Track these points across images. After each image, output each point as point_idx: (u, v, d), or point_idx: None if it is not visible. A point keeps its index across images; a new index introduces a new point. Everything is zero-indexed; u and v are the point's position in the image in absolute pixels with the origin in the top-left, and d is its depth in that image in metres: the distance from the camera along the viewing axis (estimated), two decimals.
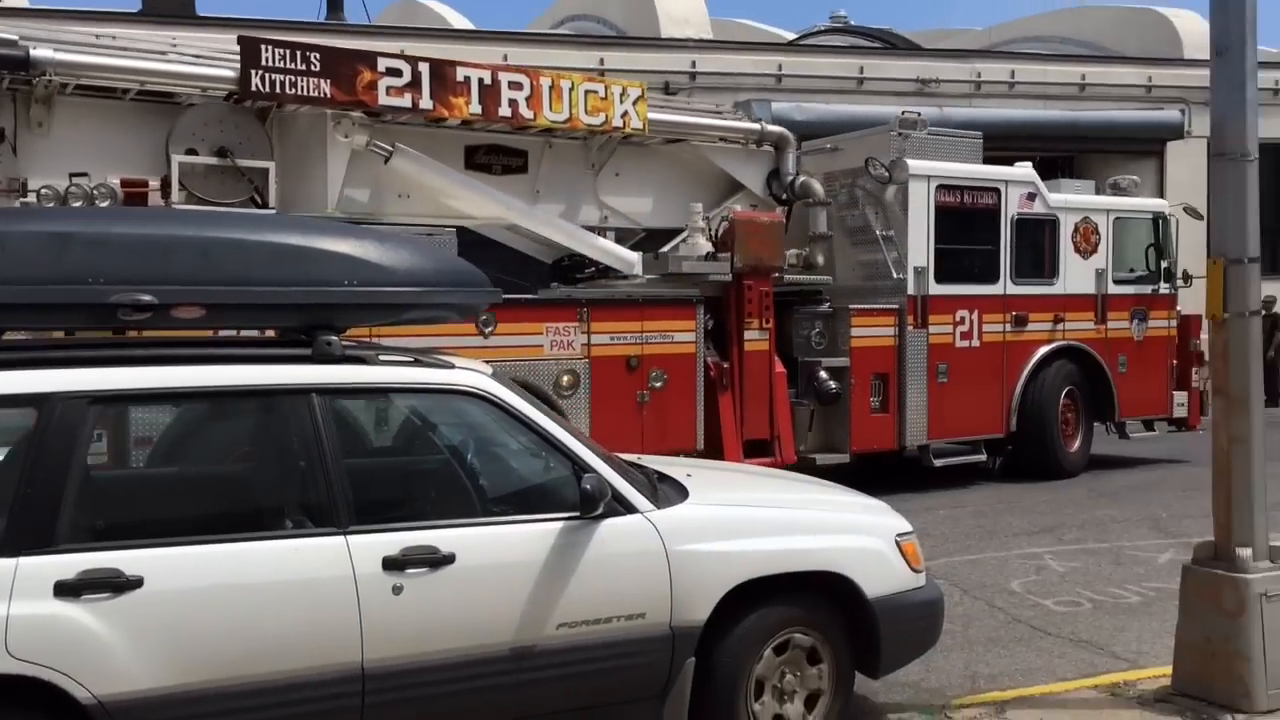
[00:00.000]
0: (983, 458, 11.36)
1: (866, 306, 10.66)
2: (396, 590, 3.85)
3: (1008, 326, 11.35)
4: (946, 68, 21.11)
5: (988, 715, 5.09)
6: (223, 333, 4.80)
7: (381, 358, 4.18)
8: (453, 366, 4.30)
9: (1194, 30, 23.53)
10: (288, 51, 8.28)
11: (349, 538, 3.85)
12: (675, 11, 20.07)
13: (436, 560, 3.94)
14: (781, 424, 10.07)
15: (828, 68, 20.31)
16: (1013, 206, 11.30)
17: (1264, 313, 18.35)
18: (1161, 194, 22.79)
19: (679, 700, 4.24)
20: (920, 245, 10.76)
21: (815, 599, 4.55)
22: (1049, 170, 26.16)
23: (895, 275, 10.73)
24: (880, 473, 11.11)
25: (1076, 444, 11.77)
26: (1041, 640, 6.30)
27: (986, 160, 11.51)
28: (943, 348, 10.97)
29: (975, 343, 11.14)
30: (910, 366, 10.78)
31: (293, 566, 3.74)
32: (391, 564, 3.88)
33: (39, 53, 7.80)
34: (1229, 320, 5.03)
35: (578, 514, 4.16)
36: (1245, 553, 5.11)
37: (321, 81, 8.33)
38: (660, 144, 10.23)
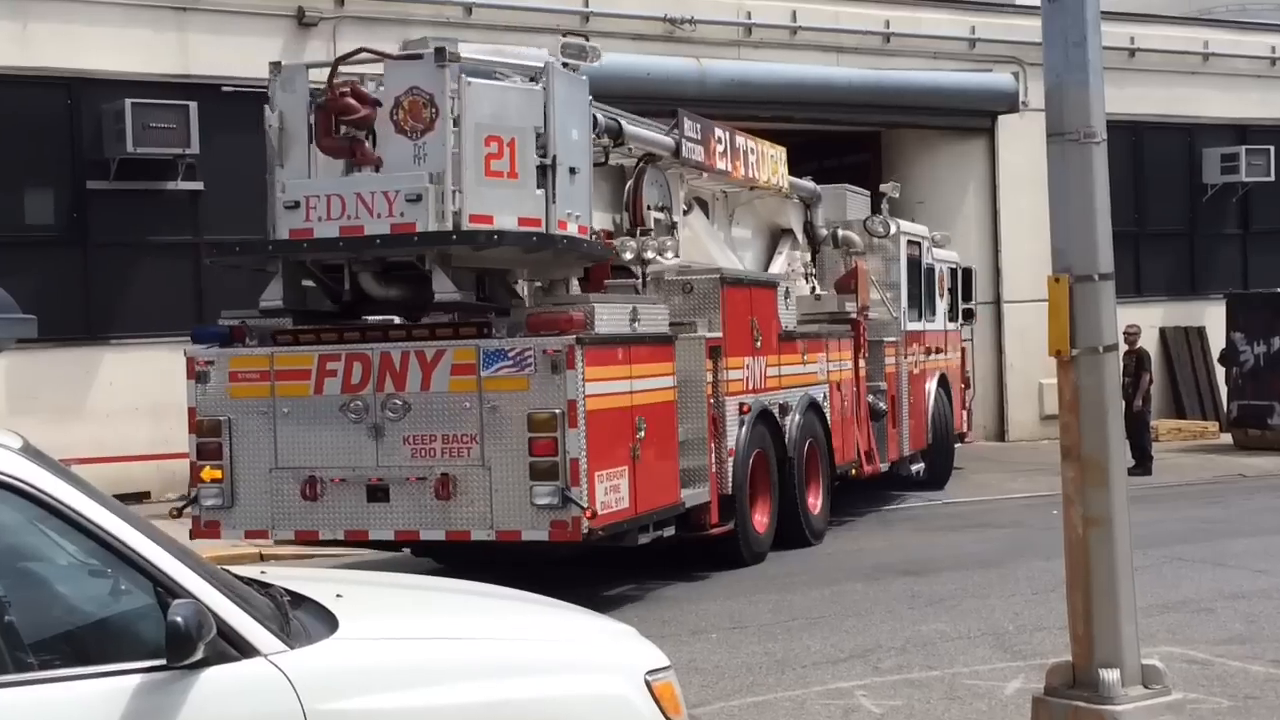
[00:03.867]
0: (921, 465, 18.25)
1: (890, 340, 17.10)
2: None
3: (924, 357, 18.42)
4: (703, 3, 21.97)
5: None
6: None
7: None
8: None
9: None
10: (690, 121, 13.52)
11: None
12: None
13: None
14: (874, 439, 16.46)
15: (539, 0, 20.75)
16: (924, 257, 18.47)
17: (1127, 348, 20.44)
18: (994, 182, 24.56)
19: None
20: (905, 289, 17.65)
21: None
22: (849, 150, 27.38)
23: (893, 314, 17.31)
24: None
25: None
26: None
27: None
28: (910, 375, 17.80)
29: (918, 370, 18.16)
30: (902, 390, 17.43)
31: None
32: None
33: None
34: (1078, 358, 5.43)
35: (164, 661, 4.02)
36: (1111, 676, 5.49)
37: (698, 147, 13.50)
38: (758, 199, 15.83)
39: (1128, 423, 19.30)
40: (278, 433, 10.92)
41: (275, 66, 11.25)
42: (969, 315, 20.81)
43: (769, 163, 15.34)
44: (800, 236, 16.79)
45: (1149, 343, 23.32)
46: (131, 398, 17.75)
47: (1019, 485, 19.00)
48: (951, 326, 19.78)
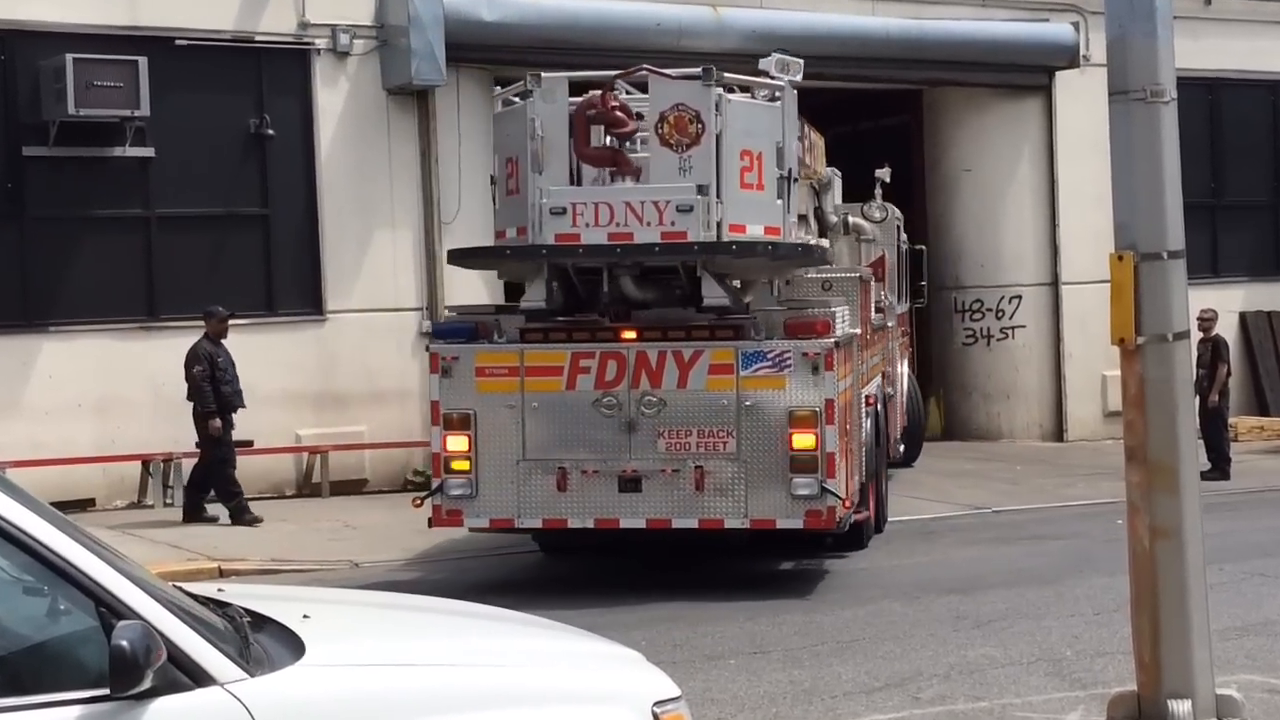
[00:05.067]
0: (903, 444, 20.09)
1: (890, 325, 18.64)
2: None
3: (902, 339, 20.66)
4: None
5: None
6: None
7: None
8: None
9: None
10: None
11: None
12: None
13: None
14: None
15: None
16: (902, 239, 20.39)
17: (1201, 336, 20.34)
18: (1051, 147, 24.43)
19: None
20: (897, 274, 19.51)
21: None
22: (887, 110, 27.52)
23: (889, 299, 18.58)
24: None
25: None
26: None
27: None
28: (896, 357, 19.80)
29: (898, 352, 19.97)
30: (897, 372, 19.42)
31: None
32: None
33: None
34: (1145, 347, 5.42)
35: (108, 691, 4.03)
36: (1181, 708, 5.49)
37: (798, 144, 14.22)
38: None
39: (1202, 420, 19.23)
40: (526, 426, 12.71)
41: (535, 78, 12.82)
42: (919, 294, 22.83)
43: (820, 152, 16.56)
44: (812, 222, 17.63)
45: (1227, 329, 23.25)
46: (74, 392, 17.77)
47: (1078, 491, 18.99)
48: (904, 307, 21.61)
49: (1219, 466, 19.63)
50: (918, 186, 25.43)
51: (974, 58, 23.54)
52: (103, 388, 17.91)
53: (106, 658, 4.00)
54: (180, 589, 4.81)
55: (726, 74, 12.92)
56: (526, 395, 12.69)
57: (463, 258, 14.52)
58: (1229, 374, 20.65)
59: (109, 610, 4.12)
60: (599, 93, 12.78)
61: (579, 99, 12.87)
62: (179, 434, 17.45)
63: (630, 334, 12.78)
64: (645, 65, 13.32)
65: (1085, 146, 22.40)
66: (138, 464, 18.06)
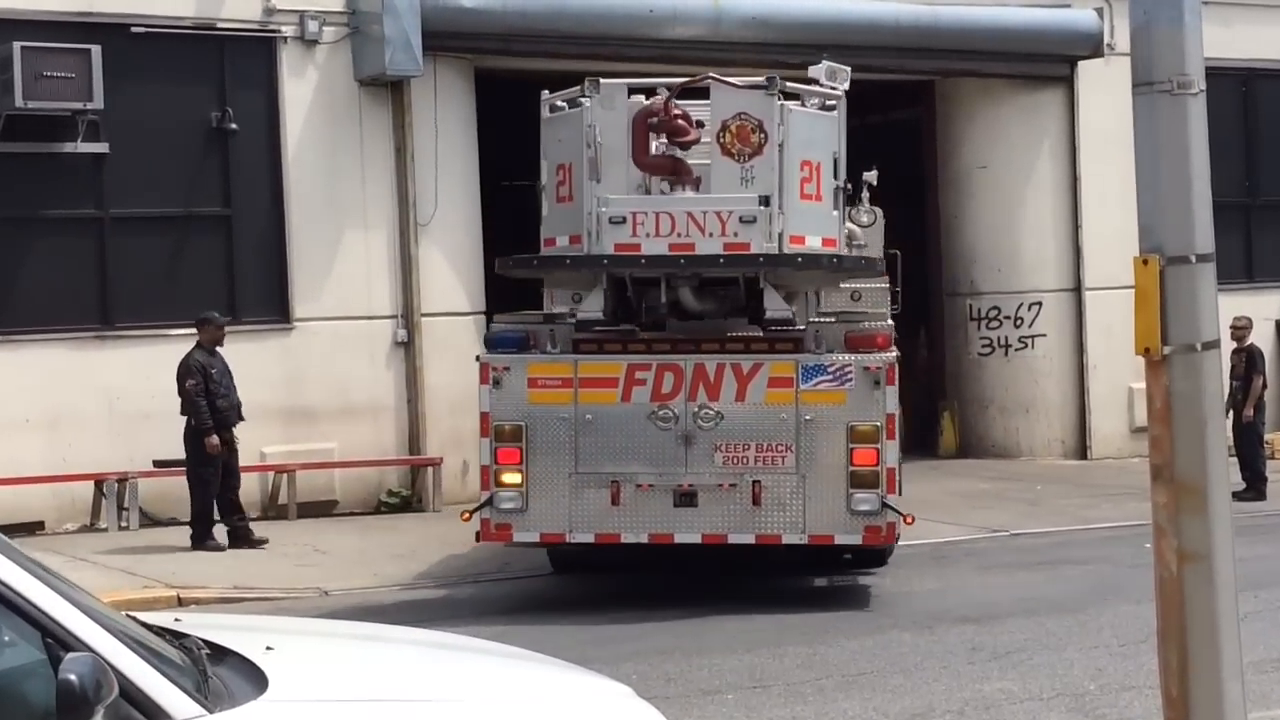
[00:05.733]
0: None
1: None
2: None
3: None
4: None
5: None
6: None
7: None
8: None
9: None
10: None
11: None
12: None
13: None
14: None
15: None
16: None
17: (1236, 345, 20.26)
18: (1073, 142, 24.40)
19: None
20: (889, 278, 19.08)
21: None
22: (897, 103, 27.51)
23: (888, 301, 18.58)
24: None
25: None
26: None
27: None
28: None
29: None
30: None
31: None
32: None
33: None
34: (1171, 357, 5.42)
35: None
36: None
37: None
38: None
39: (1236, 436, 19.26)
40: (579, 438, 13.33)
41: (594, 84, 13.33)
42: (894, 300, 22.38)
43: None
44: None
45: (1263, 338, 23.24)
46: (22, 406, 17.74)
47: (1102, 513, 18.97)
48: None
49: (1254, 486, 19.63)
50: (929, 184, 25.43)
51: (990, 46, 23.56)
52: (53, 401, 17.88)
53: (53, 693, 4.00)
54: (134, 619, 4.80)
55: (789, 83, 13.50)
56: (580, 407, 13.26)
57: (516, 266, 14.85)
58: (1265, 386, 20.63)
59: (56, 641, 4.13)
60: (659, 99, 13.28)
61: (628, 103, 13.33)
62: (134, 452, 17.45)
63: (688, 346, 13.37)
64: (711, 75, 13.76)
65: (1110, 142, 22.34)
66: (90, 484, 18.02)
